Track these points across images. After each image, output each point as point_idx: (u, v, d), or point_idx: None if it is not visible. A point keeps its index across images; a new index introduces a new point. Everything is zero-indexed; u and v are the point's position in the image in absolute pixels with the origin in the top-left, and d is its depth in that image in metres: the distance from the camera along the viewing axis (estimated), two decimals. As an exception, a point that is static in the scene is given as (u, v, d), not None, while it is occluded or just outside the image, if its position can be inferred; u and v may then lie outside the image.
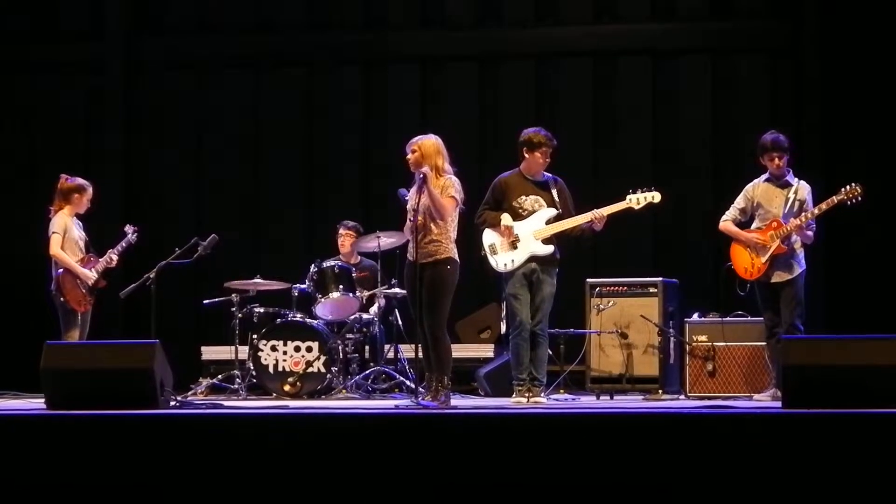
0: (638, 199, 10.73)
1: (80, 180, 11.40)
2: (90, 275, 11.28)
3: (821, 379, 8.55)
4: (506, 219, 10.55)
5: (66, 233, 11.27)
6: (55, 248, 11.23)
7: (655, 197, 10.75)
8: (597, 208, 10.69)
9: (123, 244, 11.53)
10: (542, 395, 10.51)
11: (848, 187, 10.41)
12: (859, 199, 10.40)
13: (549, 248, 10.59)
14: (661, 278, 11.80)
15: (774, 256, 10.57)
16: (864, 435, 7.75)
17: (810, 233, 10.58)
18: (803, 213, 10.52)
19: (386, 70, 14.63)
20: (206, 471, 8.12)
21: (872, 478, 7.63)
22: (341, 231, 12.68)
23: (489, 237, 10.64)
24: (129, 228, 11.63)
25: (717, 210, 12.11)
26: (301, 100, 14.66)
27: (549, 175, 10.75)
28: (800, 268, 10.60)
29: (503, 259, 10.58)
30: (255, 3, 14.77)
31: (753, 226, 10.76)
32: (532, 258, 10.56)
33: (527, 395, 10.43)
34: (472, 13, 14.53)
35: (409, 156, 10.02)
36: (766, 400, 10.47)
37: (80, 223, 11.50)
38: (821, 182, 10.75)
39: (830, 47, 13.64)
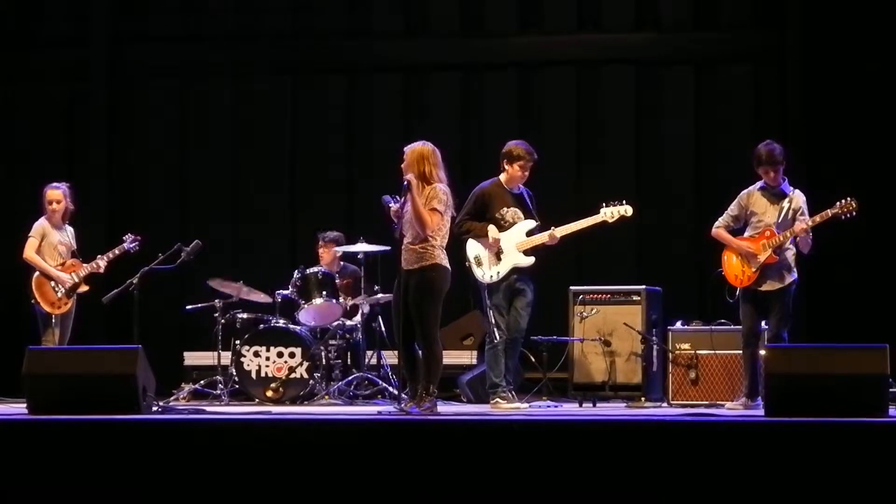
0: (612, 213, 10.95)
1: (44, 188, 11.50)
2: (65, 278, 11.33)
3: (804, 388, 8.58)
4: (493, 231, 10.67)
5: (43, 237, 11.37)
6: (28, 251, 11.36)
7: (627, 211, 10.96)
8: (576, 220, 10.84)
9: (117, 251, 11.57)
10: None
11: (843, 201, 10.38)
12: (854, 213, 10.39)
13: (531, 260, 10.76)
14: (644, 286, 11.82)
15: (765, 266, 10.54)
16: (846, 444, 7.78)
17: (809, 240, 10.55)
18: (804, 221, 10.47)
19: (370, 78, 14.62)
20: (188, 476, 8.12)
21: (854, 486, 7.66)
22: (321, 244, 12.68)
23: (474, 248, 10.73)
24: (128, 237, 11.65)
25: (701, 219, 12.14)
26: (286, 106, 14.63)
27: (523, 188, 10.86)
28: (790, 278, 10.58)
29: (489, 271, 10.70)
30: (239, 10, 14.74)
31: (746, 234, 10.72)
32: (514, 269, 10.66)
33: (503, 400, 10.56)
34: (455, 22, 14.53)
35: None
36: (737, 408, 10.46)
37: (71, 229, 11.55)
38: (804, 192, 10.76)
39: (814, 57, 13.66)
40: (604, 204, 10.95)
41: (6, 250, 13.02)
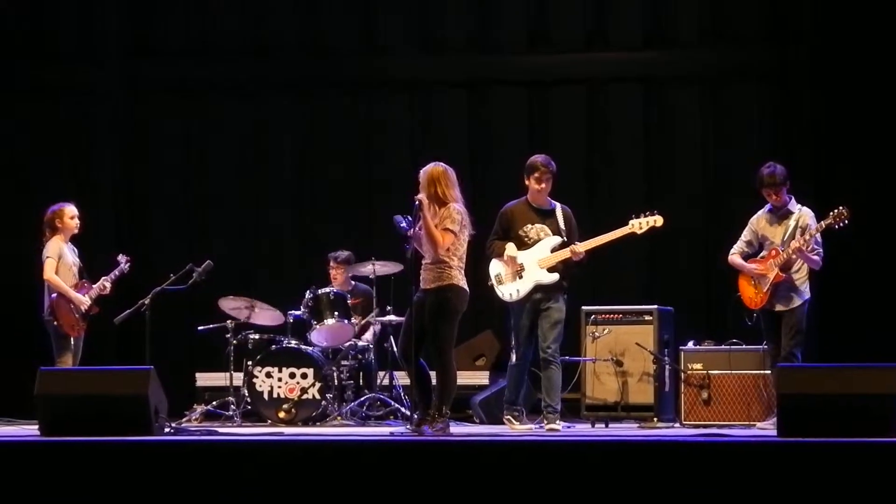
0: (640, 224, 10.84)
1: (55, 206, 11.43)
2: (84, 300, 11.28)
3: (816, 407, 8.56)
4: (510, 249, 10.67)
5: (60, 258, 11.29)
6: (49, 272, 11.24)
7: (658, 221, 10.85)
8: (595, 235, 10.80)
9: (116, 273, 11.53)
10: (558, 422, 10.57)
11: (835, 211, 10.44)
12: (846, 222, 10.42)
13: (554, 277, 10.66)
14: (656, 306, 11.77)
15: (775, 285, 10.55)
16: (859, 464, 7.76)
17: (816, 258, 10.54)
18: (800, 240, 10.51)
19: (381, 96, 14.62)
20: (200, 498, 8.11)
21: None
22: (331, 264, 12.68)
23: (495, 267, 10.74)
24: (121, 258, 11.63)
25: (711, 238, 12.08)
26: (297, 126, 14.63)
27: (556, 203, 10.82)
28: (801, 298, 10.59)
29: (508, 289, 10.68)
30: (253, 30, 14.74)
31: (760, 256, 10.78)
32: (537, 287, 10.63)
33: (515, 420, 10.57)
34: (464, 40, 14.53)
35: None
36: (769, 428, 10.37)
37: (75, 249, 11.51)
38: (814, 209, 10.78)
39: (822, 75, 13.65)
40: (633, 215, 10.91)
41: (15, 269, 13.07)
